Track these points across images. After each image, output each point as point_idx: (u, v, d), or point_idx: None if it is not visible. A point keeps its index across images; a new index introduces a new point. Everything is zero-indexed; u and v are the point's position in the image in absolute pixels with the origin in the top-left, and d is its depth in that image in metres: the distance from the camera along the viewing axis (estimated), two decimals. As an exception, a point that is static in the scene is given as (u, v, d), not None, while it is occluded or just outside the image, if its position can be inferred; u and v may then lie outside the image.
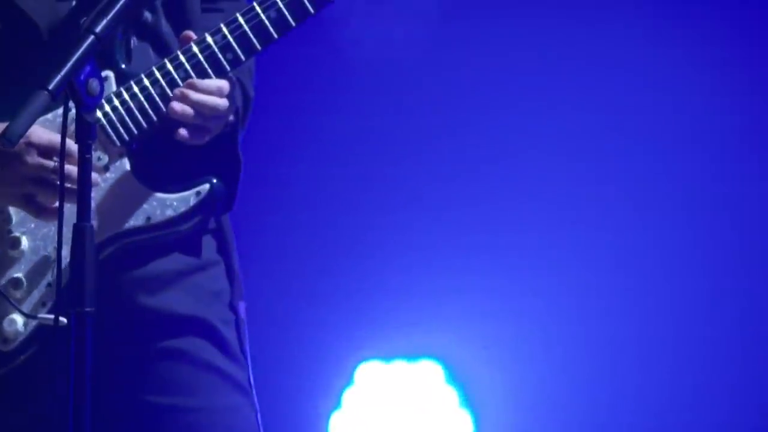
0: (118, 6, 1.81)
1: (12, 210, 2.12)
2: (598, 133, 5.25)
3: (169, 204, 2.18)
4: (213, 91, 2.05)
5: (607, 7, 5.26)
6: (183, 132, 2.08)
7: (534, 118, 5.29)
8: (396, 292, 5.25)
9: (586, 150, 5.26)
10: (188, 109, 2.04)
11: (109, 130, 2.10)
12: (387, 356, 5.21)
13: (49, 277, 2.13)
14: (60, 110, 1.84)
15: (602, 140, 5.27)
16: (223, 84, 2.08)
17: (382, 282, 5.25)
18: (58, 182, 1.78)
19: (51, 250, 2.11)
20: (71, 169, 1.78)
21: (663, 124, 5.27)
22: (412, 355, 5.20)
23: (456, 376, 5.15)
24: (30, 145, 1.93)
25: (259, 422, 2.31)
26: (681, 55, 5.26)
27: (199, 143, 2.07)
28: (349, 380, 5.17)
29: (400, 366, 5.20)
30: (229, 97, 2.10)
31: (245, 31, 2.11)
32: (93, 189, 1.96)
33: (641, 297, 5.17)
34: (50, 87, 1.65)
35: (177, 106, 2.03)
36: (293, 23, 2.13)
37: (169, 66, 2.06)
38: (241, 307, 2.36)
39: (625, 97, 5.32)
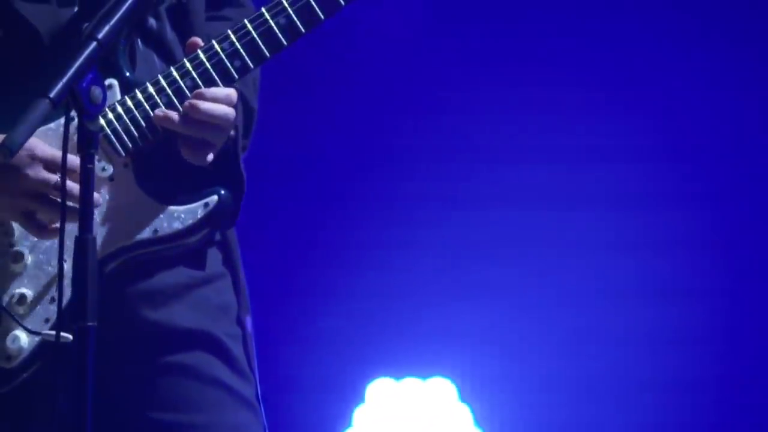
0: (120, 12, 1.76)
1: (14, 223, 2.07)
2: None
3: (176, 216, 2.12)
4: (222, 100, 1.98)
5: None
6: (187, 151, 2.05)
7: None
8: (408, 310, 5.20)
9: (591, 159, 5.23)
10: (195, 127, 2.00)
11: (114, 139, 2.04)
12: (399, 374, 5.17)
13: (53, 292, 2.08)
14: (63, 119, 1.79)
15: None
16: (232, 92, 2.00)
17: (394, 299, 5.20)
18: (60, 200, 1.73)
19: (54, 265, 2.06)
20: (74, 186, 1.72)
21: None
22: (424, 373, 5.16)
23: (468, 394, 5.10)
24: (33, 158, 1.88)
25: (268, 440, 2.26)
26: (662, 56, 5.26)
27: (203, 162, 1.99)
28: (360, 398, 5.12)
29: (411, 384, 5.15)
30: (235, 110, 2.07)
31: (254, 38, 2.02)
32: (96, 206, 1.92)
33: (655, 321, 5.13)
34: (51, 95, 1.59)
35: (182, 121, 2.02)
36: (303, 30, 2.07)
37: (176, 74, 2.01)
38: (248, 321, 2.31)
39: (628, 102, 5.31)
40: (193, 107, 1.98)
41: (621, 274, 5.14)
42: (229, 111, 2.01)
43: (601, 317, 5.11)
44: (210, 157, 2.03)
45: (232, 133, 2.07)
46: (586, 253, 5.16)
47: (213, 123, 1.99)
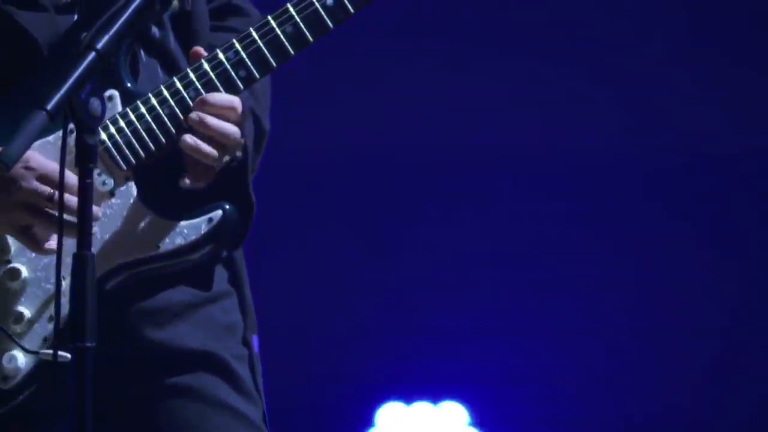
0: (121, 21, 1.69)
1: (10, 239, 2.00)
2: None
3: (179, 231, 2.05)
4: (225, 106, 1.90)
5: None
6: (188, 178, 1.99)
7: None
8: (418, 333, 5.17)
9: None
10: (203, 146, 1.92)
11: (115, 153, 1.97)
12: (409, 398, 5.13)
13: (51, 310, 2.01)
14: (61, 132, 1.72)
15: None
16: (236, 100, 1.92)
17: (404, 323, 5.17)
18: (57, 213, 1.66)
19: (53, 282, 1.99)
20: (71, 199, 1.66)
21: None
22: (434, 397, 5.12)
23: (479, 419, 5.07)
24: (28, 169, 1.84)
25: (275, 464, 2.19)
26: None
27: (202, 183, 1.91)
28: (370, 423, 5.08)
29: (422, 408, 5.11)
30: (239, 127, 1.98)
31: (259, 47, 1.98)
32: (95, 220, 1.86)
33: (668, 337, 5.12)
34: (48, 107, 1.54)
35: (190, 140, 1.93)
36: (311, 39, 2.01)
37: (179, 84, 1.94)
38: (255, 341, 2.24)
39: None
40: (201, 122, 1.91)
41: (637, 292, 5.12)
42: (236, 130, 1.95)
43: (616, 339, 5.07)
44: (210, 176, 1.97)
45: (239, 154, 2.00)
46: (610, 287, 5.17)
47: (221, 141, 1.92)
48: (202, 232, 2.05)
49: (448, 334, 5.18)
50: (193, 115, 1.94)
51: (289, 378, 4.57)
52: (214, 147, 1.93)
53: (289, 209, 5.04)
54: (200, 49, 1.99)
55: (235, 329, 2.19)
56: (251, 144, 2.06)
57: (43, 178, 1.87)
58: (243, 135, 2.02)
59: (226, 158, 1.97)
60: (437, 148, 5.38)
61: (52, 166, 1.82)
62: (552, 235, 5.25)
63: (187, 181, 2.00)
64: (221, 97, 1.95)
